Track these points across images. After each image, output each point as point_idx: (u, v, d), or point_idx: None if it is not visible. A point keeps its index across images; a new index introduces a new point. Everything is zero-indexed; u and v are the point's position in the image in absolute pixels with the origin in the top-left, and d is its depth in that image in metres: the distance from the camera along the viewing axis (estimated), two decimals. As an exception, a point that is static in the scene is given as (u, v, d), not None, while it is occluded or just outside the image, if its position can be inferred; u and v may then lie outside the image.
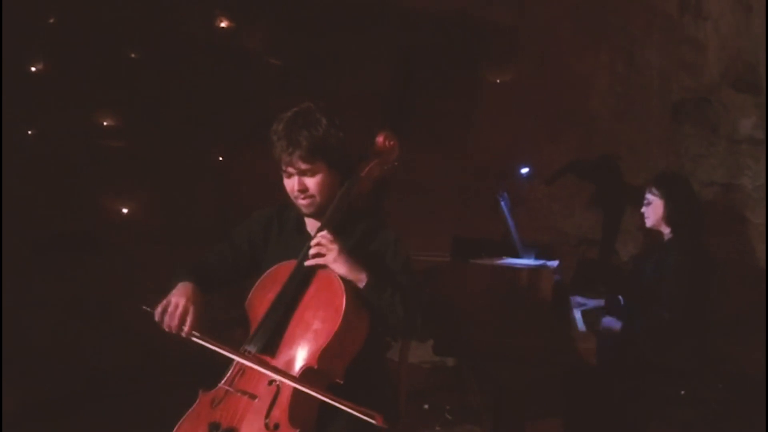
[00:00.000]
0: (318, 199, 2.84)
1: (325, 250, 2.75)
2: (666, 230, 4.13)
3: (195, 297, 2.79)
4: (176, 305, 2.75)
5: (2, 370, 4.55)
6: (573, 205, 6.06)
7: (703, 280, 3.99)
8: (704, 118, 5.51)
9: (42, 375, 4.78)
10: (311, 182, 2.83)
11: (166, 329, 2.75)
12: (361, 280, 2.75)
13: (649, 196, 4.14)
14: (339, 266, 2.75)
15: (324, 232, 2.78)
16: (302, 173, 2.82)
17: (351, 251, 2.79)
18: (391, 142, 2.97)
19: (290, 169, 2.82)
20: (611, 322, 4.07)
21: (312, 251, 2.77)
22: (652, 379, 3.88)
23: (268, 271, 2.85)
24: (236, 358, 2.71)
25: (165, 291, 2.79)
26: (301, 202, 2.85)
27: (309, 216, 2.91)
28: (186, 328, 2.73)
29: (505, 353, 3.98)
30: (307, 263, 2.78)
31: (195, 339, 2.73)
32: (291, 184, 2.84)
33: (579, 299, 4.32)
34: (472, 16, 6.06)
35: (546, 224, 6.05)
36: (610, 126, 5.99)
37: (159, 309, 2.76)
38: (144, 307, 2.77)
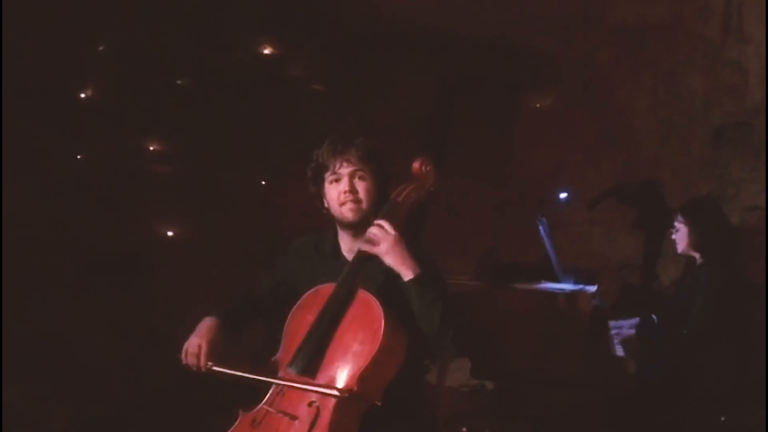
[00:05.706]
0: (364, 205, 2.86)
1: (378, 240, 2.77)
2: (696, 255, 4.17)
3: (208, 332, 2.86)
4: (190, 345, 2.83)
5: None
6: (615, 230, 6.03)
7: (737, 304, 3.98)
8: (747, 142, 5.48)
9: (88, 394, 4.87)
10: (360, 186, 2.85)
11: (194, 369, 2.84)
12: (407, 274, 2.76)
13: (676, 224, 4.23)
14: (390, 257, 2.76)
15: (381, 221, 2.79)
16: (353, 174, 2.84)
17: (388, 275, 2.82)
18: (428, 168, 2.98)
19: (341, 170, 2.84)
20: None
21: (366, 237, 2.80)
22: (690, 403, 3.86)
23: (306, 294, 2.89)
24: (270, 381, 2.78)
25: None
26: (348, 206, 2.86)
27: (349, 226, 2.90)
28: (202, 364, 2.81)
29: (543, 377, 3.99)
30: (362, 248, 2.80)
31: (217, 370, 2.80)
32: (339, 188, 2.86)
33: (613, 323, 4.32)
34: (513, 41, 6.07)
35: (588, 249, 6.02)
36: (652, 151, 5.96)
37: (182, 353, 2.85)
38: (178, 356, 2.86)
